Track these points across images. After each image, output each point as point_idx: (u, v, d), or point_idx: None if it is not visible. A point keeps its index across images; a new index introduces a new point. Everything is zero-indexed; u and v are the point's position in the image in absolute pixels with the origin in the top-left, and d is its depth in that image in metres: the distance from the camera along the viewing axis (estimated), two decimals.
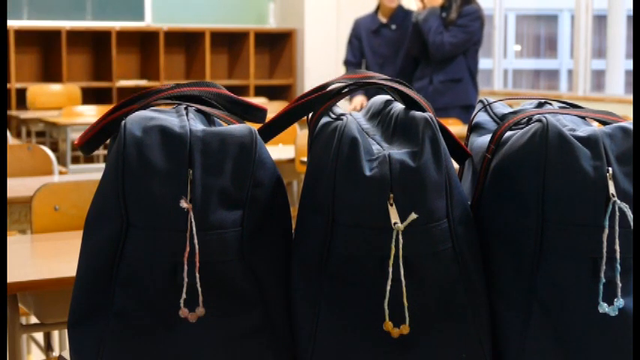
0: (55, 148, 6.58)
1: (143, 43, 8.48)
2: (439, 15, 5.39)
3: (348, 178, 0.99)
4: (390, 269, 0.97)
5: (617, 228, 1.00)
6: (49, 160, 3.25)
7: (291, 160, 3.93)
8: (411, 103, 1.10)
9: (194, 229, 0.98)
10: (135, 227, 1.01)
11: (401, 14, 5.85)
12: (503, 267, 1.04)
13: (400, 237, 0.98)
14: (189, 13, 8.60)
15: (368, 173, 0.99)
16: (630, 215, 1.00)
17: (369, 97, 5.60)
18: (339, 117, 1.07)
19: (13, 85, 7.71)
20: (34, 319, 2.10)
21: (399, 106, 1.12)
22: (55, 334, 2.94)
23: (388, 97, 1.19)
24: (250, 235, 1.02)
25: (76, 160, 7.15)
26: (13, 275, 1.70)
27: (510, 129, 1.09)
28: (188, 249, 0.98)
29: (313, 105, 1.12)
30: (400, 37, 5.75)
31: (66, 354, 1.77)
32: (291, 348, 1.05)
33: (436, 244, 1.00)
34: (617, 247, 0.99)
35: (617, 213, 1.00)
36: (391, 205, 0.98)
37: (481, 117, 1.22)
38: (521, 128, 1.07)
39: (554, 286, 1.01)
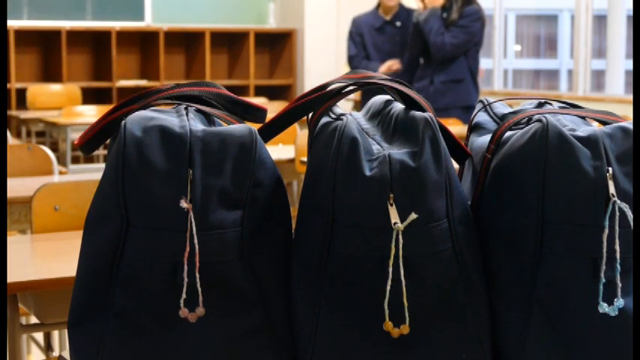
0: (55, 148, 6.59)
1: (143, 43, 8.49)
2: (440, 15, 5.39)
3: (348, 178, 0.99)
4: (390, 269, 0.97)
5: (617, 228, 1.00)
6: (49, 160, 3.25)
7: (291, 160, 3.93)
8: (411, 103, 1.10)
9: (194, 229, 0.98)
10: (135, 227, 1.01)
11: (404, 12, 5.86)
12: (503, 267, 1.04)
13: (400, 237, 0.98)
14: (189, 13, 8.61)
15: (368, 173, 0.99)
16: (630, 215, 1.00)
17: (368, 97, 5.59)
18: (339, 117, 1.07)
19: (13, 85, 7.71)
20: (34, 319, 2.10)
21: (399, 106, 1.12)
22: (55, 334, 2.94)
23: (388, 97, 1.19)
24: (250, 235, 1.02)
25: (76, 160, 7.15)
26: (13, 275, 1.70)
27: (510, 129, 1.09)
28: (188, 249, 0.98)
29: (313, 105, 1.12)
30: (405, 34, 5.75)
31: (66, 354, 1.77)
32: (291, 348, 1.05)
33: (436, 244, 1.00)
34: (617, 247, 0.99)
35: (617, 213, 1.00)
36: (391, 205, 0.98)
37: (481, 117, 1.22)
38: (521, 128, 1.07)
39: (554, 286, 1.01)
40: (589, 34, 6.92)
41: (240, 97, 1.17)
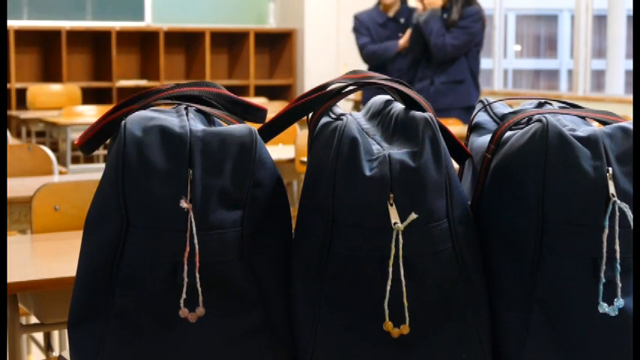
0: (55, 148, 6.58)
1: (143, 43, 8.49)
2: (440, 16, 5.39)
3: (348, 178, 0.99)
4: (390, 269, 0.97)
5: (617, 228, 1.00)
6: (49, 160, 3.25)
7: (291, 160, 3.93)
8: (411, 103, 1.10)
9: (194, 229, 0.98)
10: (135, 227, 1.01)
11: (406, 10, 5.87)
12: (503, 267, 1.04)
13: (400, 237, 0.98)
14: (189, 13, 8.61)
15: (368, 173, 0.99)
16: (630, 215, 1.00)
17: (369, 97, 5.58)
18: (339, 117, 1.07)
19: (13, 85, 7.71)
20: (34, 319, 2.10)
21: (399, 106, 1.12)
22: (55, 334, 2.94)
23: (388, 97, 1.19)
24: (250, 235, 1.02)
25: (76, 160, 7.15)
26: (13, 275, 1.70)
27: (510, 129, 1.09)
28: (188, 249, 0.98)
29: (313, 105, 1.12)
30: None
31: (66, 354, 1.77)
32: (291, 348, 1.05)
33: (436, 244, 1.00)
34: (617, 247, 0.99)
35: (617, 213, 1.00)
36: (391, 205, 0.98)
37: (481, 117, 1.22)
38: (521, 128, 1.07)
39: (554, 286, 1.01)
40: (589, 34, 6.92)
41: (240, 97, 1.17)
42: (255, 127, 1.06)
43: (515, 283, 1.03)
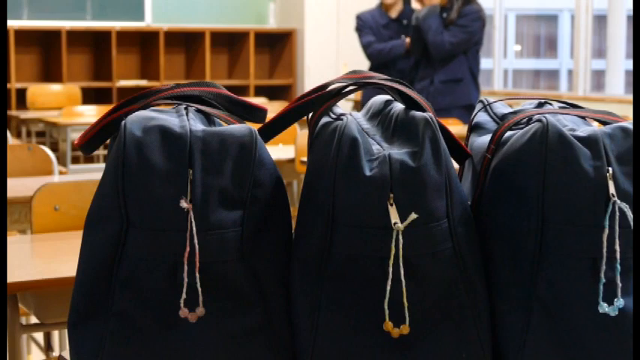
0: (55, 148, 6.58)
1: (143, 43, 8.49)
2: (439, 14, 5.40)
3: (348, 178, 0.99)
4: (390, 269, 0.97)
5: (617, 228, 1.00)
6: (49, 160, 3.25)
7: (291, 160, 3.93)
8: (411, 103, 1.10)
9: (194, 229, 0.98)
10: (135, 227, 1.01)
11: (409, 12, 5.86)
12: (504, 267, 1.04)
13: (400, 237, 0.98)
14: (189, 13, 8.61)
15: (368, 173, 0.99)
16: (630, 215, 1.00)
17: (368, 97, 5.58)
18: (339, 117, 1.07)
19: (13, 85, 7.71)
20: (34, 319, 2.10)
21: (399, 106, 1.12)
22: (55, 334, 2.94)
23: (388, 97, 1.19)
24: (250, 235, 1.02)
25: (76, 160, 7.15)
26: (13, 275, 1.70)
27: (510, 129, 1.09)
28: (188, 249, 0.98)
29: (313, 105, 1.12)
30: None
31: (66, 354, 1.77)
32: (291, 348, 1.05)
33: (436, 244, 1.00)
34: (617, 247, 1.00)
35: (617, 213, 1.00)
36: (391, 205, 0.98)
37: (481, 117, 1.22)
38: (522, 128, 1.07)
39: (554, 286, 1.01)
40: (589, 34, 6.92)
41: (240, 97, 1.17)
42: (255, 127, 1.06)
43: (515, 283, 1.03)
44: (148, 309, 1.01)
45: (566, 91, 9.03)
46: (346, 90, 1.12)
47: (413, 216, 0.98)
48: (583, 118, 1.12)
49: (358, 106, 7.14)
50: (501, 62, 7.91)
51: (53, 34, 7.92)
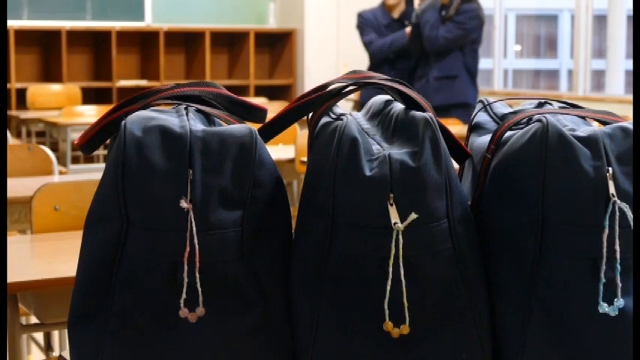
0: (55, 148, 6.58)
1: (143, 43, 8.49)
2: (438, 9, 5.42)
3: (348, 178, 0.99)
4: (390, 269, 0.97)
5: (617, 228, 1.00)
6: (49, 160, 3.25)
7: (291, 160, 3.93)
8: (411, 103, 1.10)
9: (194, 229, 0.98)
10: (135, 227, 1.01)
11: (412, 12, 5.85)
12: (504, 267, 1.04)
13: (400, 237, 0.98)
14: (189, 13, 8.60)
15: (368, 173, 0.99)
16: (630, 215, 1.00)
17: (368, 97, 5.58)
18: (339, 117, 1.07)
19: (13, 85, 7.71)
20: (34, 319, 2.10)
21: (399, 106, 1.12)
22: (55, 334, 2.94)
23: (388, 97, 1.19)
24: (250, 235, 1.02)
25: (76, 160, 7.15)
26: (13, 275, 1.70)
27: (510, 129, 1.09)
28: (188, 249, 0.98)
29: (313, 105, 1.12)
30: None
31: (66, 354, 1.77)
32: (291, 348, 1.05)
33: (436, 244, 1.00)
34: (617, 247, 1.00)
35: (617, 213, 1.00)
36: (391, 205, 0.98)
37: (481, 117, 1.22)
38: (522, 128, 1.07)
39: (554, 286, 1.01)
40: (589, 34, 6.92)
41: (240, 97, 1.17)
42: (255, 127, 1.06)
43: (515, 283, 1.03)
44: (148, 309, 1.01)
45: (566, 91, 9.03)
46: (346, 90, 1.12)
47: (413, 216, 0.98)
48: (583, 118, 1.12)
49: (358, 106, 7.14)
50: (501, 62, 7.91)
51: (53, 34, 7.92)
